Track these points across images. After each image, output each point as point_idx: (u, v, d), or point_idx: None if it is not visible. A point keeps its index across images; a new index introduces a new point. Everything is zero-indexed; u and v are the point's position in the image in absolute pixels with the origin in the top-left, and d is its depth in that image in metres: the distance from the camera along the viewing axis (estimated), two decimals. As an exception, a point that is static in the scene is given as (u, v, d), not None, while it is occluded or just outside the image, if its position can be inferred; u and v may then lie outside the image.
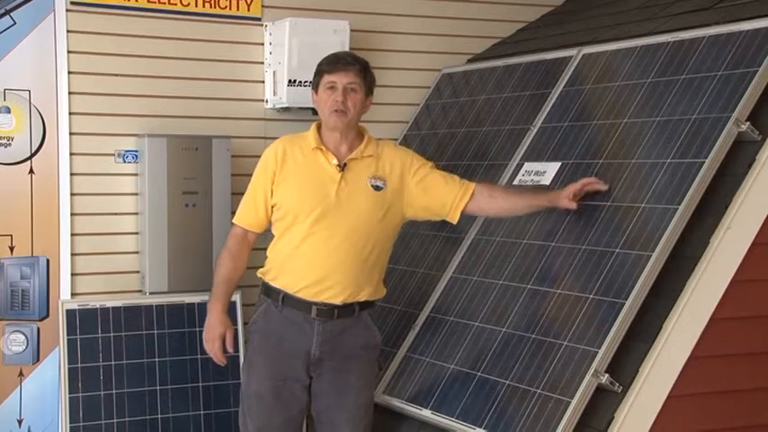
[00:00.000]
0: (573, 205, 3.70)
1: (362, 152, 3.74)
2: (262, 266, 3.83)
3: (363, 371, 3.77)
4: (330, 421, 3.76)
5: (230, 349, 3.79)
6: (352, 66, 3.72)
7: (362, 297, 3.72)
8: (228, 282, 3.80)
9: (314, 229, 3.65)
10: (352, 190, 3.68)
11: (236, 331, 4.30)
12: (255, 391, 3.75)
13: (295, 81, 4.65)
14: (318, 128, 3.79)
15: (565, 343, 3.47)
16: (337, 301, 3.66)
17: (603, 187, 3.71)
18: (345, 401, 3.73)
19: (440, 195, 3.80)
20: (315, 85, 3.78)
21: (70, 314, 4.28)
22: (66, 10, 4.45)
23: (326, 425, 3.78)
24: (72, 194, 4.48)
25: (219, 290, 3.80)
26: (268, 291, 3.77)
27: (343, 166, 3.70)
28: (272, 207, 3.75)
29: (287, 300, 3.70)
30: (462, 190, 3.80)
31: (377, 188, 3.72)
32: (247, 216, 3.81)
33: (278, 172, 3.73)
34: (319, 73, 3.76)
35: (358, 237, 3.66)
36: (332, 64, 3.74)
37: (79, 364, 4.23)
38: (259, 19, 4.82)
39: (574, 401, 3.29)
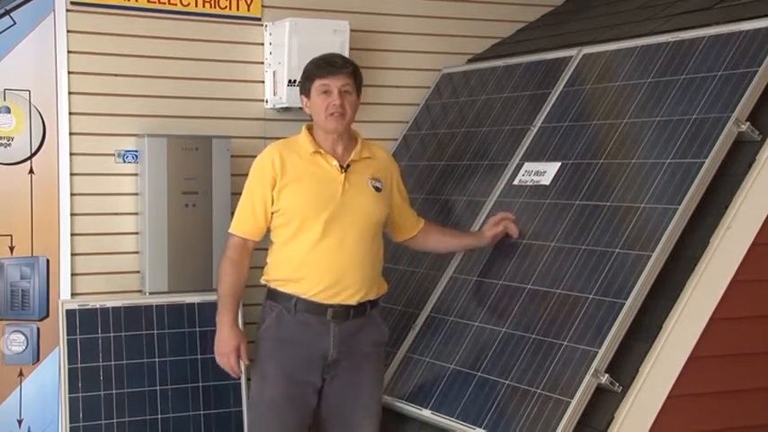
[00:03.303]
0: (498, 228, 3.95)
1: (360, 154, 3.76)
2: (260, 267, 3.83)
3: (376, 368, 3.81)
4: (345, 421, 3.76)
5: (245, 361, 3.74)
6: (344, 68, 3.72)
7: (373, 295, 3.76)
8: (234, 293, 3.73)
9: (326, 232, 3.64)
10: (355, 191, 3.70)
11: None
12: (270, 398, 3.70)
13: (295, 81, 4.64)
14: (309, 130, 3.78)
15: (565, 343, 3.47)
16: (352, 301, 3.68)
17: (514, 231, 3.95)
18: (362, 399, 3.75)
19: (405, 215, 3.96)
20: (305, 90, 3.76)
21: (70, 314, 4.28)
22: (66, 10, 4.45)
23: (342, 425, 3.77)
24: (72, 194, 4.48)
25: (227, 302, 3.71)
26: (276, 296, 3.73)
27: (346, 168, 3.71)
28: (273, 214, 3.72)
29: (300, 304, 3.67)
30: (416, 222, 4.00)
31: (377, 189, 3.77)
32: (246, 225, 3.76)
33: (278, 178, 3.68)
34: (310, 77, 3.73)
35: (367, 236, 3.70)
36: (323, 67, 3.71)
37: (79, 364, 4.23)
38: (259, 19, 4.82)
39: (574, 401, 3.29)
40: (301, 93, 3.80)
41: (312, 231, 3.65)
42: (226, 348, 3.69)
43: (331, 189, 3.67)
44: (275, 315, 3.73)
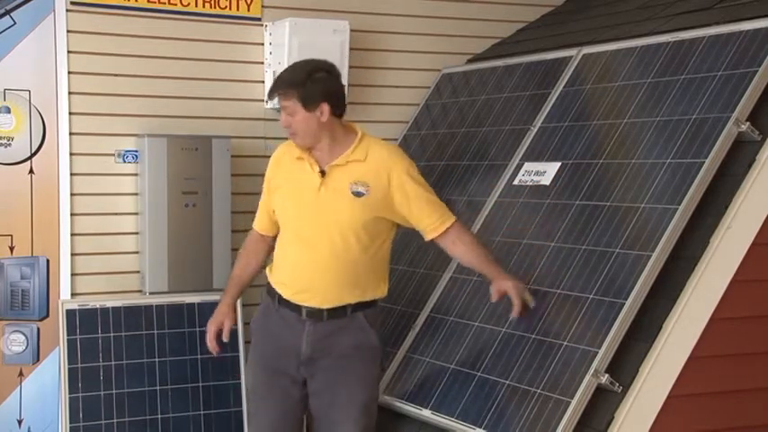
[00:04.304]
0: (497, 297, 3.70)
1: (348, 157, 3.69)
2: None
3: (357, 371, 3.74)
4: (327, 420, 3.78)
5: (224, 339, 3.87)
6: (276, 90, 3.70)
7: (352, 300, 3.71)
8: (238, 278, 3.92)
9: (296, 237, 3.71)
10: (330, 196, 3.66)
11: (235, 331, 4.34)
12: (252, 386, 3.91)
13: (295, 81, 4.65)
14: None
15: (565, 343, 3.47)
16: (324, 305, 3.69)
17: (515, 312, 3.67)
18: (340, 400, 3.73)
19: (418, 214, 3.74)
20: None
21: (70, 314, 4.28)
22: (67, 10, 4.45)
23: (324, 423, 3.80)
24: (72, 194, 4.48)
25: (229, 285, 3.93)
26: (270, 290, 3.81)
27: (324, 173, 3.68)
28: (274, 212, 3.82)
29: (281, 300, 3.74)
30: (438, 222, 3.74)
31: (358, 194, 3.66)
32: (259, 221, 3.91)
33: (273, 179, 3.81)
34: None
35: (339, 243, 3.65)
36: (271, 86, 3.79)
37: (79, 364, 4.23)
38: (259, 19, 4.82)
39: (574, 401, 3.29)
40: None
41: (287, 235, 3.75)
42: (211, 321, 3.89)
43: (308, 195, 3.69)
44: (263, 307, 3.85)
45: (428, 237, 3.79)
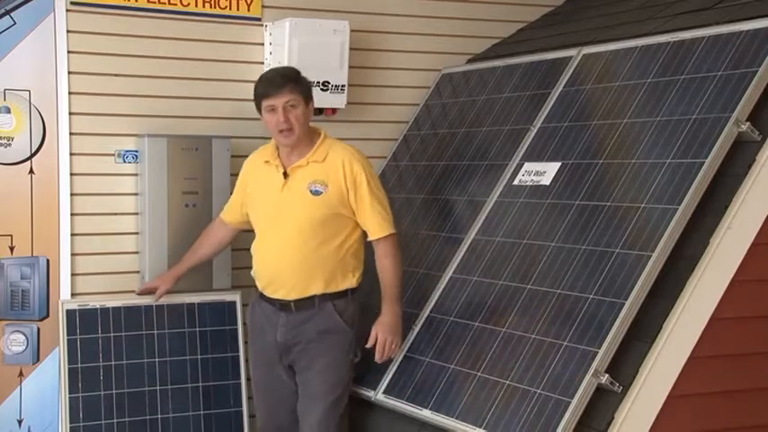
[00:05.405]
0: (370, 342, 3.98)
1: (309, 158, 3.96)
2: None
3: (324, 353, 3.96)
4: (302, 403, 4.00)
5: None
6: (283, 86, 3.90)
7: (318, 291, 3.95)
8: (187, 257, 4.34)
9: (262, 234, 4.05)
10: (292, 196, 3.93)
11: (236, 331, 4.49)
12: (254, 380, 4.17)
13: (295, 81, 4.65)
14: None
15: (565, 343, 3.47)
16: (290, 297, 3.97)
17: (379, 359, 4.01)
18: (311, 383, 3.96)
19: (362, 216, 3.98)
20: (257, 108, 4.00)
21: (70, 314, 4.28)
22: (67, 10, 4.45)
23: (301, 404, 4.00)
24: (72, 194, 4.48)
25: (180, 260, 4.36)
26: (256, 288, 4.11)
27: (286, 175, 3.95)
28: (247, 213, 4.16)
29: (261, 294, 4.07)
30: (376, 228, 3.98)
31: (315, 192, 3.93)
32: (225, 210, 4.28)
33: (248, 183, 4.13)
34: (257, 97, 3.99)
35: (299, 239, 3.91)
36: (266, 87, 3.95)
37: (79, 364, 4.23)
38: (259, 19, 4.81)
39: (574, 401, 3.29)
40: (257, 109, 4.02)
41: (258, 233, 4.07)
42: (154, 279, 4.40)
43: (271, 195, 3.99)
44: (251, 304, 4.16)
45: (369, 238, 4.03)
